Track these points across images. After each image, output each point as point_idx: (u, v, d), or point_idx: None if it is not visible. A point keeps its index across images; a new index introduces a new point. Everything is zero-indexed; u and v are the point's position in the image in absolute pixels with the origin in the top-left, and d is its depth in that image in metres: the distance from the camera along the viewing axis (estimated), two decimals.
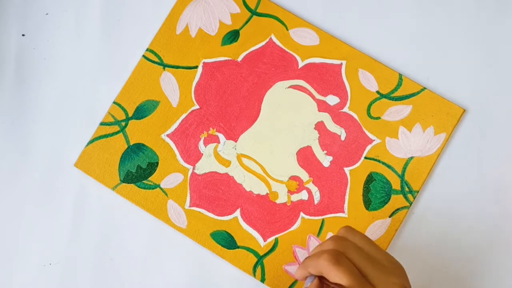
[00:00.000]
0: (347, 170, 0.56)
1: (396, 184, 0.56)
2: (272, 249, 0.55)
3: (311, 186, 0.56)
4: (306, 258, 0.45)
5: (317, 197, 0.56)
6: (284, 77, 0.58)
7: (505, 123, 0.57)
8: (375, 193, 0.56)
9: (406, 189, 0.56)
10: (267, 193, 0.56)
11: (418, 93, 0.57)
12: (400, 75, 0.57)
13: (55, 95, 0.58)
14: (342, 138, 0.57)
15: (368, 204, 0.56)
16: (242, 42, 0.58)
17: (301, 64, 0.58)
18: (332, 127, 0.57)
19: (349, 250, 0.43)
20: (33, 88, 0.58)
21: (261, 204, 0.56)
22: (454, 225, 0.55)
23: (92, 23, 0.59)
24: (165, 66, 0.58)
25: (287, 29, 0.58)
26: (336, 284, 0.43)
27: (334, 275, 0.42)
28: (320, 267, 0.43)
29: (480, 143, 0.57)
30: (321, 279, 0.45)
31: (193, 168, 0.56)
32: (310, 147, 0.57)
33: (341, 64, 0.58)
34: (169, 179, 0.56)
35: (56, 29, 0.59)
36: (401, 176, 0.56)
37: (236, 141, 0.57)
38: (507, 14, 0.59)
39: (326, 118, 0.57)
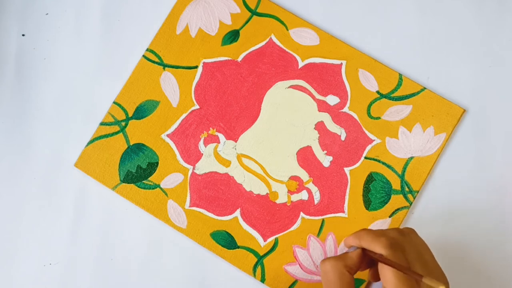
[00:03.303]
0: (347, 170, 0.56)
1: (396, 184, 0.56)
2: (272, 249, 0.55)
3: (311, 186, 0.56)
4: (362, 231, 0.47)
5: (317, 197, 0.56)
6: (284, 77, 0.58)
7: (505, 123, 0.57)
8: (375, 193, 0.56)
9: (406, 189, 0.56)
10: (267, 193, 0.56)
11: (418, 93, 0.57)
12: (400, 75, 0.57)
13: (55, 95, 0.58)
14: (342, 138, 0.57)
15: (368, 204, 0.56)
16: (242, 42, 0.58)
17: (301, 64, 0.58)
18: (332, 127, 0.57)
19: (407, 245, 0.46)
20: (33, 88, 0.58)
21: (261, 204, 0.56)
22: (454, 225, 0.55)
23: (92, 23, 0.59)
24: (165, 66, 0.58)
25: (287, 29, 0.58)
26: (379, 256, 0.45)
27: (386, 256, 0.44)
28: (374, 247, 0.45)
29: (480, 143, 0.57)
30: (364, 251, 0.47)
31: (193, 168, 0.56)
32: (310, 147, 0.57)
33: (341, 64, 0.58)
34: (169, 179, 0.56)
35: (56, 29, 0.59)
36: (401, 176, 0.56)
37: (236, 141, 0.57)
38: (507, 14, 0.59)
39: (326, 118, 0.57)
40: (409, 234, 0.47)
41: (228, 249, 0.55)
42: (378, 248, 0.45)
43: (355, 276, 0.54)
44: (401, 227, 0.55)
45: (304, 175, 0.56)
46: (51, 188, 0.57)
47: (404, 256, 0.45)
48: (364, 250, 0.47)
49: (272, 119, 0.57)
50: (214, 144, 0.57)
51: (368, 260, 0.48)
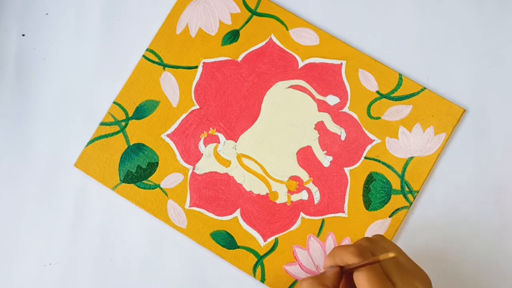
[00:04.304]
0: (347, 170, 0.56)
1: (396, 184, 0.56)
2: (272, 249, 0.55)
3: (311, 186, 0.56)
4: (334, 248, 0.46)
5: (317, 197, 0.56)
6: (284, 77, 0.58)
7: (505, 123, 0.57)
8: (375, 193, 0.56)
9: (406, 189, 0.56)
10: (267, 193, 0.56)
11: (418, 93, 0.57)
12: (400, 75, 0.57)
13: (55, 95, 0.58)
14: (342, 138, 0.57)
15: (368, 204, 0.56)
16: (242, 42, 0.58)
17: (301, 64, 0.58)
18: (332, 127, 0.57)
19: (378, 252, 0.45)
20: (33, 88, 0.58)
21: (261, 204, 0.56)
22: (454, 225, 0.55)
23: (92, 23, 0.59)
24: (165, 66, 0.58)
25: (287, 29, 0.58)
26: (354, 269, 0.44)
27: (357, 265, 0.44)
28: (345, 258, 0.44)
29: (480, 143, 0.57)
30: (342, 269, 0.46)
31: (193, 168, 0.56)
32: (310, 147, 0.57)
33: (341, 64, 0.58)
34: (169, 179, 0.56)
35: (56, 29, 0.59)
36: (401, 176, 0.56)
37: (236, 141, 0.57)
38: (507, 14, 0.59)
39: (326, 118, 0.57)
40: (378, 240, 0.47)
41: (228, 249, 0.55)
42: (348, 257, 0.44)
43: None
44: (401, 227, 0.55)
45: (304, 175, 0.56)
46: (51, 188, 0.57)
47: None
48: (341, 268, 0.46)
49: (272, 119, 0.57)
50: (214, 144, 0.57)
51: (350, 283, 0.47)
